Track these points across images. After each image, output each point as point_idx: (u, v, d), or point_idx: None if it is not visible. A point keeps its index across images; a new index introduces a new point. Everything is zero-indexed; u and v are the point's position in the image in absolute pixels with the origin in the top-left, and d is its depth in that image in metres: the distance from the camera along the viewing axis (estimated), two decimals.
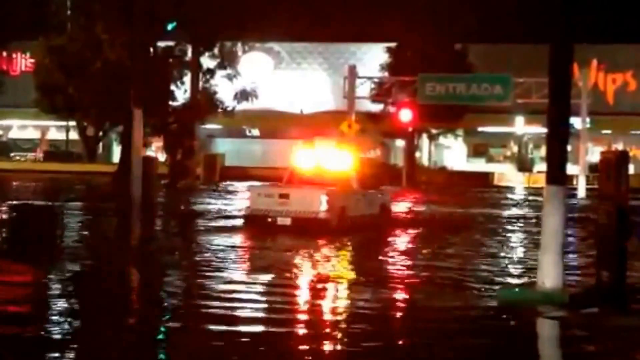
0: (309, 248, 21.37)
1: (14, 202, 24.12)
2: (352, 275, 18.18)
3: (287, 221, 24.70)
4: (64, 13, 46.32)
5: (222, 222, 27.82)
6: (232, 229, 25.71)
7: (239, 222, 26.80)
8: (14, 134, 76.24)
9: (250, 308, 14.13)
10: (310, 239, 22.87)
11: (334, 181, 25.93)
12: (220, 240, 22.72)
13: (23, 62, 71.24)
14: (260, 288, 16.07)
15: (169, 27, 42.15)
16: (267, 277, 17.10)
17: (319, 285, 16.66)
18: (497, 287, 15.98)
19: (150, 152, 45.55)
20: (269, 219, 24.95)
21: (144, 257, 19.81)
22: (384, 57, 60.46)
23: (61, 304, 14.11)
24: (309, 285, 17.02)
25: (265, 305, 14.45)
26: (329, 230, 24.27)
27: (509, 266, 19.54)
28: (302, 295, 16.00)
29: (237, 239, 23.66)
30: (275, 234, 23.88)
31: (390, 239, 24.90)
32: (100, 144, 67.62)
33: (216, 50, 46.28)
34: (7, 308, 13.52)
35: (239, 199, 39.06)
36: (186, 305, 14.65)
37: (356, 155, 28.96)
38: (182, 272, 17.88)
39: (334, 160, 26.80)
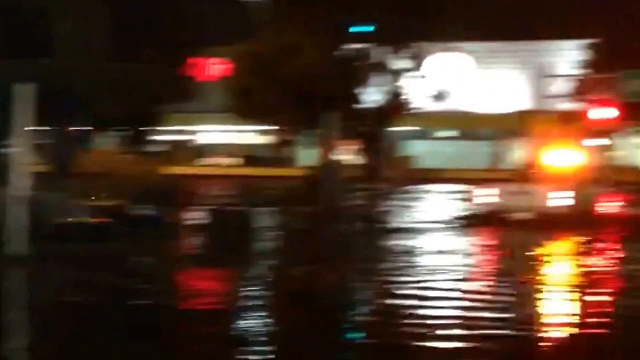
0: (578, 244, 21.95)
1: (211, 207, 24.33)
2: None
3: (529, 217, 25.74)
4: (260, 17, 46.90)
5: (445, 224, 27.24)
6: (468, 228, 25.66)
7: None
8: (206, 138, 78.06)
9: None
10: (561, 234, 23.66)
11: (568, 178, 27.22)
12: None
13: (217, 67, 72.78)
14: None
15: (360, 29, 42.08)
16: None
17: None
18: None
19: (342, 156, 45.49)
20: (511, 215, 26.08)
21: (343, 260, 19.34)
22: (580, 55, 58.66)
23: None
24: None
25: None
26: (568, 226, 24.74)
27: None
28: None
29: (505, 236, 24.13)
30: (522, 230, 24.64)
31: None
32: (297, 148, 68.17)
33: (408, 52, 45.86)
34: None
35: (444, 202, 38.56)
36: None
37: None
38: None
39: (565, 157, 28.42)
